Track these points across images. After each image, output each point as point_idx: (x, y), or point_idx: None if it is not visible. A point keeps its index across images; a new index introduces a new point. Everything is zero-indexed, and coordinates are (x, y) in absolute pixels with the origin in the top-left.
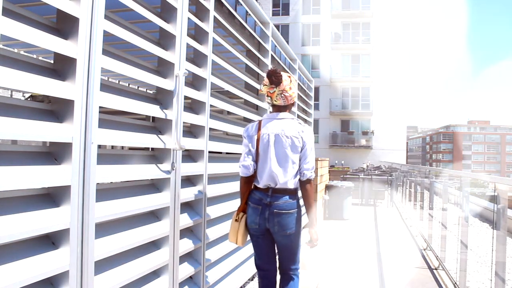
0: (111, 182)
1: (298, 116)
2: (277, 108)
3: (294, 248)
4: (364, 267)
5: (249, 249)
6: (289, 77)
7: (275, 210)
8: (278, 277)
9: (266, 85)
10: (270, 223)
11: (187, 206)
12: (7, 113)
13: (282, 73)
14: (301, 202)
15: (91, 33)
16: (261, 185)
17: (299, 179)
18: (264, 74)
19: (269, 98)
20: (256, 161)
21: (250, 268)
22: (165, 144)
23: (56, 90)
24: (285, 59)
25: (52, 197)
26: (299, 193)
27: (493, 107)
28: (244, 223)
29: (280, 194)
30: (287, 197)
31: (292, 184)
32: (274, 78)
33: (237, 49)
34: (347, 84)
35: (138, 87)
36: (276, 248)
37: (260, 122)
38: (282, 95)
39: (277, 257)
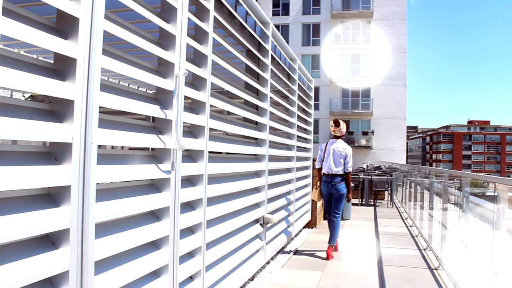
0: (111, 182)
1: (298, 116)
2: (336, 137)
3: (342, 201)
4: (364, 267)
5: (248, 249)
6: (343, 122)
7: (333, 183)
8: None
9: (332, 126)
10: (331, 189)
11: (187, 206)
12: (7, 113)
13: (340, 120)
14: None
15: (91, 33)
16: (325, 172)
17: (344, 171)
18: (264, 74)
19: (333, 132)
20: (322, 161)
21: (250, 268)
22: (165, 144)
23: (56, 90)
24: (285, 59)
25: (52, 197)
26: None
27: (493, 107)
28: (319, 190)
29: (335, 176)
30: (339, 177)
31: (340, 172)
32: (336, 124)
33: (237, 49)
34: (347, 84)
35: (138, 87)
36: (332, 203)
37: (327, 143)
38: (340, 131)
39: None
